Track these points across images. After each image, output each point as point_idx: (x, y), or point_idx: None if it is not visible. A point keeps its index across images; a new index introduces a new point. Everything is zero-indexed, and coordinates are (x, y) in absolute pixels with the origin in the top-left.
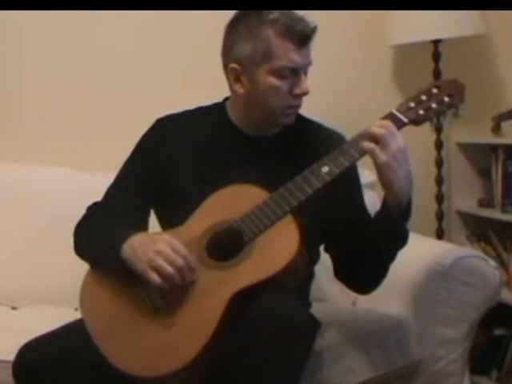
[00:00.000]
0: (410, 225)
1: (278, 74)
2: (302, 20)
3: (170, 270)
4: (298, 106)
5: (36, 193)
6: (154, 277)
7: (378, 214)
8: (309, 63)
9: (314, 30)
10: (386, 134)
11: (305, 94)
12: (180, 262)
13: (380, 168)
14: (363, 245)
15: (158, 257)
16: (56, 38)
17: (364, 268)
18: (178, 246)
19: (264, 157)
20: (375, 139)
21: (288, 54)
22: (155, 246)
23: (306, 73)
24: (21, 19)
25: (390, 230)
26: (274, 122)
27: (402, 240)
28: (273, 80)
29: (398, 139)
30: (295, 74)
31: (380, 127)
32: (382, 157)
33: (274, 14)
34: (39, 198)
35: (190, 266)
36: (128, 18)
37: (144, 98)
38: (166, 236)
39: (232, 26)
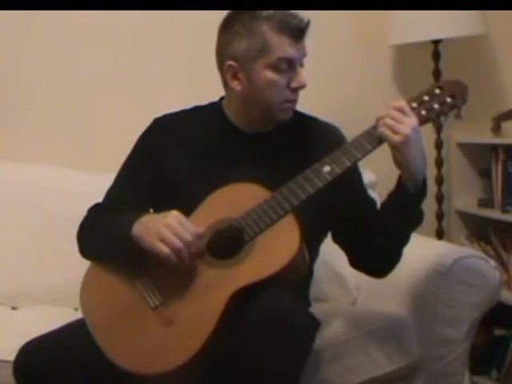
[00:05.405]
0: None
1: (275, 67)
2: (295, 15)
3: (178, 242)
4: (295, 101)
5: (36, 193)
6: (162, 248)
7: (394, 193)
8: (304, 55)
9: (308, 24)
10: (399, 115)
11: (302, 87)
12: (188, 237)
13: (396, 148)
14: (378, 227)
15: (166, 229)
16: (55, 38)
17: (380, 251)
18: (187, 222)
19: (262, 154)
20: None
21: (284, 48)
22: (164, 219)
23: (301, 65)
24: (20, 20)
25: (407, 208)
26: (272, 118)
27: (417, 219)
28: (270, 74)
29: (412, 118)
30: (292, 67)
31: (392, 108)
32: (397, 138)
33: (268, 12)
34: (39, 198)
35: (197, 241)
36: (127, 18)
37: (144, 98)
38: (176, 212)
39: (226, 25)
